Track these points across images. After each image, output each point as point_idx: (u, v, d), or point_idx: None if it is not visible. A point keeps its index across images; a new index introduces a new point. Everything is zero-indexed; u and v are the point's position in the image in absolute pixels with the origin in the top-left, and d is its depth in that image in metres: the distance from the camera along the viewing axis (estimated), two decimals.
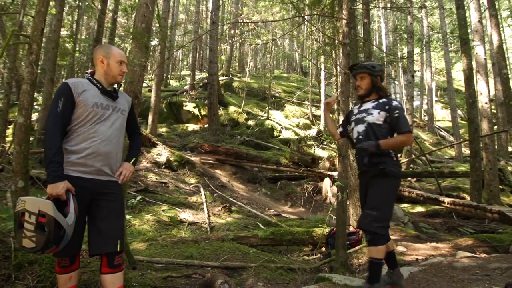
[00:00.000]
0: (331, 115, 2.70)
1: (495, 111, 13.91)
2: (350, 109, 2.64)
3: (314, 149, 11.57)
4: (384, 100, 2.28)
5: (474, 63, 7.59)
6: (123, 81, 2.09)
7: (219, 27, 14.42)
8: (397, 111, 2.21)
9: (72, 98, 1.79)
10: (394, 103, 2.26)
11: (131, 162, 2.01)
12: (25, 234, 1.56)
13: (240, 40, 18.64)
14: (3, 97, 7.95)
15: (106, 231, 1.75)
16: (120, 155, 1.95)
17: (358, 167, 2.45)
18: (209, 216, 5.77)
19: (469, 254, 3.64)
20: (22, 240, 1.57)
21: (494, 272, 2.69)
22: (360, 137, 2.29)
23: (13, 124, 8.54)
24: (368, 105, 2.33)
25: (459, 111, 18.83)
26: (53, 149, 1.69)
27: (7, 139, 7.80)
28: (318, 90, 16.20)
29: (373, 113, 2.25)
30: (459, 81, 24.51)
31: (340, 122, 2.69)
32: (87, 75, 1.93)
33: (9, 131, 8.63)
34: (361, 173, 2.40)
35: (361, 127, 2.29)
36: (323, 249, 4.52)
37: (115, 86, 1.98)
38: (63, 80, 19.72)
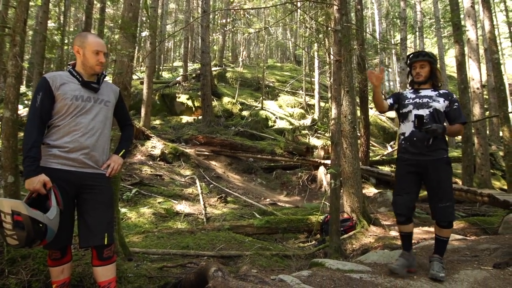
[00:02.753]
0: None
1: (487, 97, 14.03)
2: (398, 91, 2.68)
3: (309, 138, 11.60)
4: (445, 91, 2.47)
5: (466, 48, 7.59)
6: (105, 72, 1.99)
7: (211, 16, 14.17)
8: (456, 103, 2.43)
9: (50, 92, 1.76)
10: (454, 95, 2.49)
11: (120, 155, 1.96)
12: (6, 233, 1.56)
13: (233, 29, 18.38)
14: None
15: (92, 224, 1.74)
16: (107, 148, 1.91)
17: (409, 154, 2.39)
18: (205, 207, 5.80)
19: (460, 237, 3.72)
20: (5, 238, 1.58)
21: (483, 253, 2.76)
22: (425, 121, 2.33)
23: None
24: (429, 92, 2.46)
25: None
26: (29, 144, 1.67)
27: None
28: (311, 79, 16.15)
29: (440, 101, 2.39)
30: (452, 67, 24.56)
31: (388, 97, 2.65)
32: (68, 67, 1.89)
33: None
34: (413, 162, 2.36)
35: (424, 111, 2.37)
36: (318, 236, 4.59)
37: (100, 76, 1.92)
38: None
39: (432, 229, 4.58)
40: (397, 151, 2.58)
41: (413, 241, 3.90)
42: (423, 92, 2.47)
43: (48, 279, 1.93)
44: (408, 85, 2.68)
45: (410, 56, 2.53)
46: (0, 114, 8.67)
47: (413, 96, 2.49)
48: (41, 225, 1.57)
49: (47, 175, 1.69)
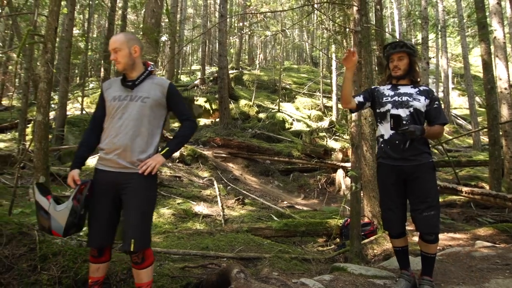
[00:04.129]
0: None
1: None
2: (373, 86, 2.39)
3: (327, 141, 11.46)
4: (425, 88, 2.22)
5: (492, 47, 7.29)
6: (150, 67, 1.91)
7: (228, 19, 14.33)
8: (437, 102, 2.19)
9: (102, 96, 1.90)
10: (435, 93, 2.26)
11: (162, 153, 1.85)
12: None
13: (249, 33, 18.50)
14: (22, 96, 8.21)
15: (125, 228, 1.75)
16: (148, 146, 1.83)
17: (391, 160, 2.13)
18: (223, 208, 5.84)
19: (488, 244, 3.55)
20: None
21: None
22: (404, 122, 2.07)
23: (31, 122, 8.83)
24: (408, 89, 2.19)
25: (477, 98, 18.19)
26: (79, 144, 1.89)
27: (26, 137, 8.06)
28: (329, 80, 15.97)
29: (420, 100, 2.13)
30: (476, 67, 23.60)
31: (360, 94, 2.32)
32: None
33: (28, 130, 8.92)
34: (396, 168, 2.11)
35: (404, 111, 2.11)
36: (338, 240, 4.52)
37: (143, 73, 1.88)
38: (77, 78, 20.12)
39: (457, 235, 4.42)
40: (377, 156, 2.30)
41: (438, 248, 3.78)
42: (402, 89, 2.20)
43: (78, 275, 2.01)
44: (385, 80, 2.37)
45: (387, 48, 2.24)
46: (31, 118, 9.13)
47: (392, 93, 2.21)
48: (46, 213, 1.67)
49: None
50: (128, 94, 1.84)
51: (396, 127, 2.01)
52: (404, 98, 2.15)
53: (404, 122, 2.06)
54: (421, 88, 2.20)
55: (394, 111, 2.12)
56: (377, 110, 2.24)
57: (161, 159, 1.84)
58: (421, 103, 2.13)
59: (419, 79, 2.25)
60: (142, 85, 1.86)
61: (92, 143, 1.88)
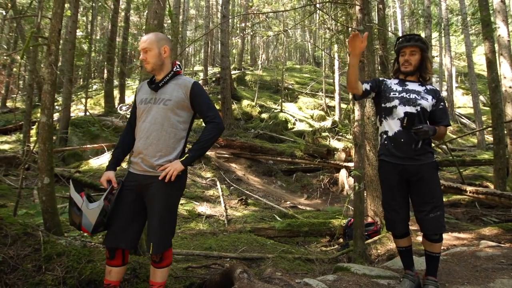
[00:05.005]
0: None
1: None
2: (380, 77, 2.29)
3: (329, 141, 11.43)
4: (432, 87, 2.15)
5: (496, 45, 7.24)
6: (175, 67, 1.86)
7: (230, 20, 14.35)
8: (443, 103, 2.14)
9: (135, 99, 1.91)
10: (441, 93, 2.20)
11: (182, 160, 1.76)
12: None
13: (252, 33, 18.52)
14: (26, 98, 8.28)
15: (147, 231, 1.78)
16: (168, 150, 1.78)
17: (395, 158, 2.06)
18: (226, 209, 5.85)
19: (493, 244, 3.52)
20: None
21: None
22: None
23: (36, 124, 8.90)
24: (416, 86, 2.12)
25: (481, 97, 18.04)
26: (116, 146, 1.90)
27: (31, 139, 8.13)
28: (332, 80, 15.94)
29: (428, 99, 2.07)
30: (480, 66, 23.43)
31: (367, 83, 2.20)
32: None
33: (33, 131, 8.99)
34: (400, 168, 2.04)
35: (411, 109, 2.03)
36: (341, 240, 4.51)
37: (167, 74, 1.82)
38: (81, 80, 20.23)
39: (462, 235, 4.38)
40: (378, 153, 2.21)
41: (443, 247, 3.75)
42: (410, 86, 2.12)
43: (82, 275, 2.02)
44: (393, 74, 2.26)
45: (399, 40, 2.13)
46: (35, 119, 9.21)
47: (400, 88, 2.12)
48: (78, 209, 1.70)
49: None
50: (153, 96, 1.81)
51: (410, 126, 1.94)
52: (412, 96, 2.08)
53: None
54: (428, 87, 2.14)
55: (401, 108, 2.05)
56: (383, 105, 2.15)
57: (179, 167, 1.74)
58: (428, 102, 2.07)
59: (428, 78, 2.17)
60: (166, 87, 1.81)
61: (127, 145, 1.90)
